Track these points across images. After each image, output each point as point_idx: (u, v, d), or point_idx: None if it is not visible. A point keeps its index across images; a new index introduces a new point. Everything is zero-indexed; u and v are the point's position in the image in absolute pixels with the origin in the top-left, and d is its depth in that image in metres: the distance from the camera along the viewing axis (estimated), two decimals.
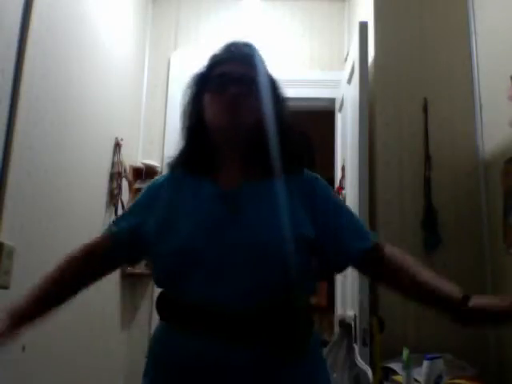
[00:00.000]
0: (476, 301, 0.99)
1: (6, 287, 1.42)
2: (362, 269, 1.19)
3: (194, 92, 1.18)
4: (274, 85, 1.18)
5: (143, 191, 1.21)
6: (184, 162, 1.17)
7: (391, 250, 1.11)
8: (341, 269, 1.18)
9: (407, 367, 1.69)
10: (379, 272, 1.12)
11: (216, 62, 1.17)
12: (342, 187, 2.61)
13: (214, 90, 1.12)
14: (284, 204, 1.07)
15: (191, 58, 3.11)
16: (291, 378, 1.00)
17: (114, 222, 1.21)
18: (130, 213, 1.20)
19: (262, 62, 1.19)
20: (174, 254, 1.03)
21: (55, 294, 1.10)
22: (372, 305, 1.98)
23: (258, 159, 1.13)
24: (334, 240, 1.10)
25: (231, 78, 1.10)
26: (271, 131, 1.12)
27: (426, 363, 1.66)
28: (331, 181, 2.96)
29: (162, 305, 1.09)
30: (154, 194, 1.15)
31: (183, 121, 1.19)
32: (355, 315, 1.98)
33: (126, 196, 2.69)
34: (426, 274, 1.06)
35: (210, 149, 1.15)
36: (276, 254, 1.01)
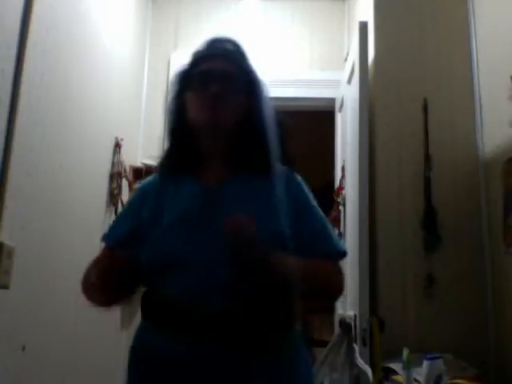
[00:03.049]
0: None
1: (6, 287, 1.42)
2: None
3: (176, 90, 1.18)
4: (256, 81, 1.17)
5: (131, 197, 1.23)
6: (168, 161, 1.18)
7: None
8: None
9: (407, 367, 1.69)
10: None
11: (198, 59, 1.16)
12: (342, 187, 2.61)
13: (196, 88, 1.12)
14: (263, 202, 1.06)
15: None
16: (260, 376, 0.99)
17: (106, 234, 1.19)
18: (119, 221, 1.21)
19: (245, 58, 1.18)
20: (152, 255, 1.04)
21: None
22: (372, 305, 1.98)
23: (240, 157, 1.12)
24: (306, 242, 1.08)
25: (212, 76, 1.10)
26: (253, 129, 1.12)
27: (425, 363, 1.66)
28: (331, 181, 2.96)
29: (143, 303, 1.10)
30: (141, 198, 1.16)
31: (167, 119, 1.20)
32: (355, 315, 1.98)
33: (125, 196, 2.69)
34: None
35: (194, 147, 1.15)
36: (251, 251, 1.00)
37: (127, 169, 2.69)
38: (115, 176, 2.48)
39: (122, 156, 2.54)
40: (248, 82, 1.14)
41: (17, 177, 1.47)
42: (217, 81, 1.09)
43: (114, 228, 1.20)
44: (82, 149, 2.06)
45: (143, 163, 2.89)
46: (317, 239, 1.10)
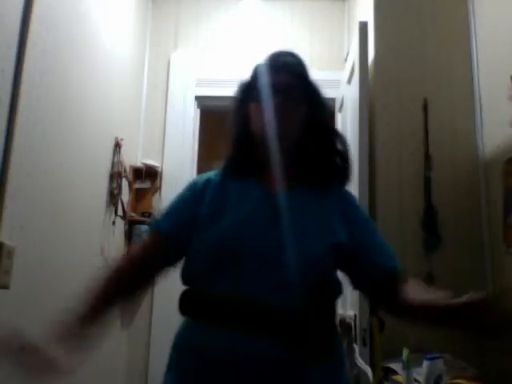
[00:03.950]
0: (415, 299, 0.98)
1: (6, 287, 1.42)
2: (376, 289, 1.15)
3: (239, 100, 1.22)
4: (317, 93, 1.22)
5: (186, 188, 1.21)
6: (231, 165, 1.20)
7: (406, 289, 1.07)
8: (362, 283, 1.17)
9: (407, 367, 1.69)
10: (388, 302, 1.13)
11: (260, 72, 1.19)
12: None
13: (258, 101, 1.15)
14: (324, 211, 1.12)
15: (191, 58, 3.11)
16: (317, 378, 1.01)
17: (158, 221, 1.20)
18: (173, 210, 1.20)
19: (306, 71, 1.23)
20: (218, 243, 1.05)
21: (111, 298, 1.14)
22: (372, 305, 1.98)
23: (300, 167, 1.17)
24: (366, 254, 1.12)
25: (275, 88, 1.14)
26: (315, 140, 1.17)
27: (425, 363, 1.66)
28: None
29: (188, 301, 1.09)
30: (199, 192, 1.17)
31: (230, 128, 1.22)
32: (355, 315, 1.98)
33: (126, 196, 2.69)
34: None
35: (256, 154, 1.18)
36: (314, 257, 1.04)
37: (127, 169, 2.69)
38: (115, 176, 2.48)
39: (121, 156, 2.54)
40: (309, 94, 1.19)
41: (17, 177, 1.47)
42: (279, 93, 1.13)
43: (166, 216, 1.20)
44: (82, 149, 2.06)
45: (143, 163, 2.90)
46: (382, 255, 1.14)
